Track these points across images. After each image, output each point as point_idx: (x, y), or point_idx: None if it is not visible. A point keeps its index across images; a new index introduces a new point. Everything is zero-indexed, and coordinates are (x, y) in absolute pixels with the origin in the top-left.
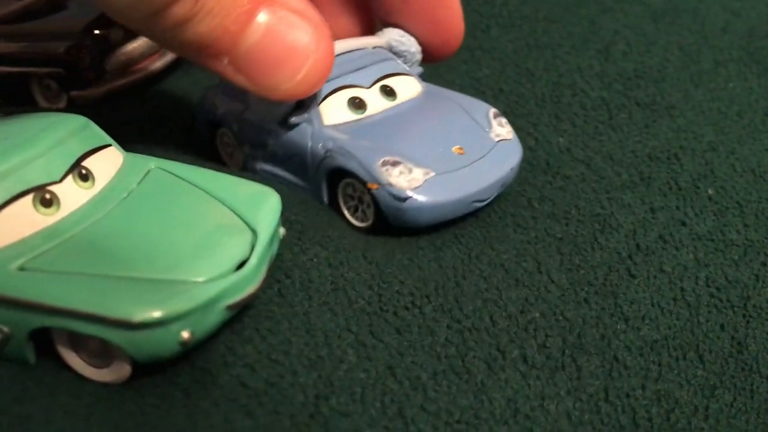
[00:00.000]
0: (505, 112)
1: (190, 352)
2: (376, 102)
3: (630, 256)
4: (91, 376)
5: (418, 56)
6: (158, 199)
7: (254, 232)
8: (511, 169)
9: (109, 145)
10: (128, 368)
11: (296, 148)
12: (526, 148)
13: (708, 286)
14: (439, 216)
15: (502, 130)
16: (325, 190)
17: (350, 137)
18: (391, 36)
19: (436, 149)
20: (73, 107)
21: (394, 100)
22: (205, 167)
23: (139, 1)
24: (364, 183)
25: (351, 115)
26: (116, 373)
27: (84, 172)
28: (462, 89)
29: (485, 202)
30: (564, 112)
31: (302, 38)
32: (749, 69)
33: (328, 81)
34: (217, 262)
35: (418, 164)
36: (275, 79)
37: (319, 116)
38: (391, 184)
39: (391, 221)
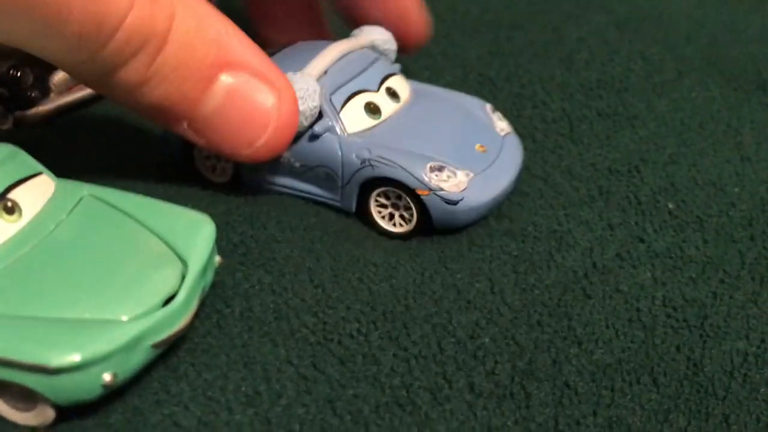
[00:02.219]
0: None
1: (122, 389)
2: (386, 105)
3: (586, 275)
4: (16, 420)
5: (395, 54)
6: (87, 230)
7: (185, 264)
8: (523, 161)
9: (40, 174)
10: (52, 412)
11: (321, 159)
12: None
13: (665, 305)
14: (482, 214)
15: (503, 124)
16: (356, 200)
17: (380, 144)
18: (373, 35)
19: (464, 150)
20: (18, 128)
21: (398, 102)
22: (141, 192)
23: (83, 62)
24: (411, 190)
25: (370, 121)
26: (41, 416)
27: (10, 204)
28: None
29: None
30: (525, 127)
31: (264, 103)
32: (711, 79)
33: (341, 87)
34: (142, 299)
35: (458, 167)
36: (236, 144)
37: (342, 125)
38: (442, 189)
39: (438, 224)
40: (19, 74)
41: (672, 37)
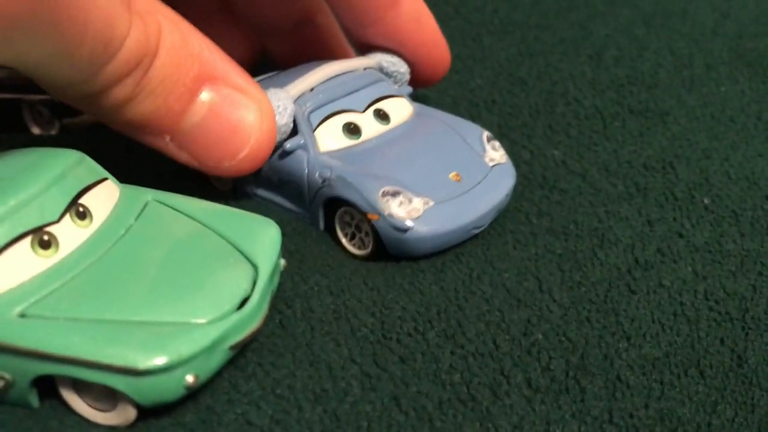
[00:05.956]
0: (500, 125)
1: (195, 390)
2: (370, 126)
3: (629, 271)
4: (97, 420)
5: (407, 76)
6: (157, 234)
7: (255, 267)
8: (506, 194)
9: (105, 179)
10: (133, 411)
11: (291, 175)
12: (522, 161)
13: (707, 299)
14: (439, 245)
15: (495, 154)
16: (322, 218)
17: (347, 165)
18: (382, 57)
19: (434, 177)
20: (65, 134)
21: (387, 123)
22: (197, 195)
23: (80, 83)
24: (363, 213)
25: (346, 141)
26: (122, 416)
27: (81, 209)
28: (455, 101)
29: (482, 228)
30: (558, 123)
31: (246, 117)
32: (740, 72)
33: (322, 106)
34: (218, 302)
35: (418, 193)
36: (217, 156)
37: (314, 143)
38: (392, 215)
39: (390, 251)
40: None
41: (699, 30)
